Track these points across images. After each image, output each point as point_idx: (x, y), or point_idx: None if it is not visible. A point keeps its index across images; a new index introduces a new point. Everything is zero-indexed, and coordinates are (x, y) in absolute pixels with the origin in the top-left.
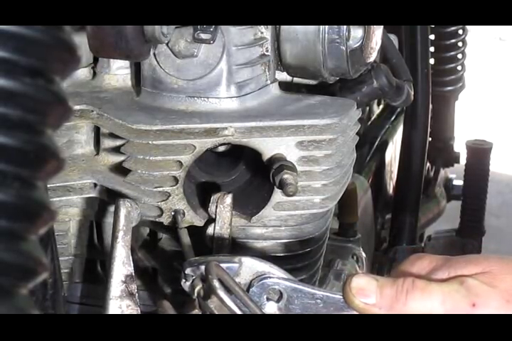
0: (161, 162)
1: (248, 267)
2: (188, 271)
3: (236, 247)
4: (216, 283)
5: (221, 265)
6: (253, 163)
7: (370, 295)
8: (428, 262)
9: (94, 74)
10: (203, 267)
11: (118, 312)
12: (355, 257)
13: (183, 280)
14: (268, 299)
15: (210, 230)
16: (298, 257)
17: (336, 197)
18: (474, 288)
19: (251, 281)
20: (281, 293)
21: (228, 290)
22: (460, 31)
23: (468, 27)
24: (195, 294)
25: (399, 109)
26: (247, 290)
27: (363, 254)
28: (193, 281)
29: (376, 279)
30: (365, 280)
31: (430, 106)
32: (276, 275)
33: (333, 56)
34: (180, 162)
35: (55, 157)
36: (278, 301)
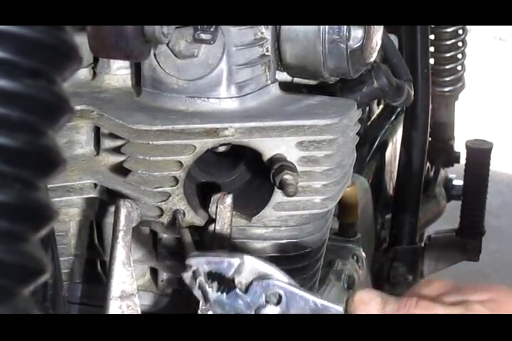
0: (161, 162)
1: (250, 266)
2: (189, 262)
3: (236, 247)
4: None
5: (222, 260)
6: (253, 164)
7: (371, 310)
8: (438, 287)
9: (95, 74)
10: (202, 259)
11: (118, 312)
12: (355, 257)
13: (184, 273)
14: (267, 302)
15: (210, 230)
16: (298, 257)
17: (336, 197)
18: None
19: (252, 281)
20: (280, 297)
21: (221, 283)
22: (460, 31)
23: (468, 27)
24: (197, 285)
25: (399, 109)
26: (247, 289)
27: (363, 254)
28: (194, 273)
29: (380, 296)
30: (369, 295)
31: (430, 106)
32: (278, 278)
33: (334, 56)
34: (180, 162)
35: (57, 158)
36: (277, 304)
